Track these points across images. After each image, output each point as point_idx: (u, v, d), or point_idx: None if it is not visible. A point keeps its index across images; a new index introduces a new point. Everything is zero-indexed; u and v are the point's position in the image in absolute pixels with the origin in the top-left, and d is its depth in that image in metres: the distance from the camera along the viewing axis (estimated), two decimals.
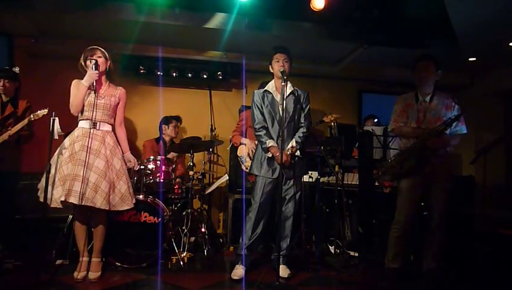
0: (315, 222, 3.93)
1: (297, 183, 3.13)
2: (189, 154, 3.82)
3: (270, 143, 3.01)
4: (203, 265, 3.49)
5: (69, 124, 3.02)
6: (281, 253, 3.01)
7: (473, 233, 4.03)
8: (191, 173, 3.76)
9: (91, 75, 2.85)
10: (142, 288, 2.85)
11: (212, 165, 4.64)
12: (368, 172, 3.91)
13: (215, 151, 4.61)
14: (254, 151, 3.32)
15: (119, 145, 3.07)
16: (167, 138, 4.50)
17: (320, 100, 5.19)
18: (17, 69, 3.42)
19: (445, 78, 3.21)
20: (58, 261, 3.17)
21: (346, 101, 5.63)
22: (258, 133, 3.08)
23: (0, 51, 4.25)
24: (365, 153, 3.98)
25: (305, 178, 3.88)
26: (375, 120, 4.84)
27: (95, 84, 2.89)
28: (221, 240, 4.29)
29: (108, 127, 3.02)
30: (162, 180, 3.68)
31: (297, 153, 3.09)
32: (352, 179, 4.10)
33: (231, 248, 3.98)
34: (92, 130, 2.89)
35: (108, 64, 3.03)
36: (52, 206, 2.78)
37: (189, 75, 4.93)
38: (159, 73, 4.82)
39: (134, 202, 3.05)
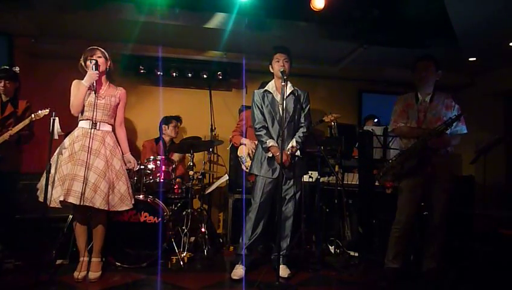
0: (315, 222, 3.93)
1: (297, 183, 3.13)
2: (189, 154, 3.82)
3: (270, 143, 3.01)
4: (203, 265, 3.49)
5: (69, 124, 3.02)
6: (281, 253, 3.01)
7: (473, 233, 4.04)
8: (191, 172, 3.76)
9: (91, 75, 2.85)
10: (142, 288, 2.85)
11: (212, 165, 4.64)
12: (368, 172, 3.91)
13: (215, 151, 4.61)
14: (254, 151, 3.32)
15: (119, 145, 3.07)
16: (167, 138, 4.50)
17: (320, 100, 5.19)
18: (17, 69, 3.42)
19: (446, 78, 3.21)
20: (58, 261, 3.17)
21: (346, 101, 5.64)
22: (258, 133, 3.08)
23: (0, 51, 4.25)
24: (365, 153, 3.98)
25: (305, 178, 3.88)
26: (375, 120, 4.84)
27: (95, 84, 2.89)
28: (221, 240, 4.29)
29: (109, 128, 3.02)
30: (162, 180, 3.68)
31: (298, 153, 3.09)
32: (352, 179, 4.10)
33: (231, 248, 3.99)
34: (92, 130, 2.89)
35: (109, 64, 3.02)
36: (51, 206, 2.78)
37: (189, 75, 4.93)
38: (159, 73, 4.82)
39: (133, 202, 3.05)
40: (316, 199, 3.89)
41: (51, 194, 2.77)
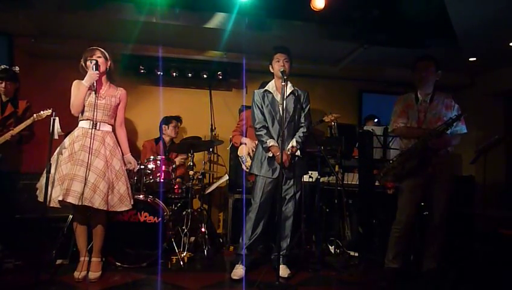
0: (315, 222, 3.93)
1: (298, 183, 3.12)
2: (189, 154, 3.82)
3: (270, 143, 3.01)
4: (203, 265, 3.49)
5: (69, 124, 3.02)
6: (281, 253, 3.00)
7: (473, 233, 4.03)
8: (191, 172, 3.76)
9: (91, 75, 2.85)
10: (142, 288, 2.85)
11: (212, 165, 4.64)
12: (368, 172, 3.91)
13: (215, 151, 4.61)
14: (254, 151, 3.32)
15: (119, 146, 3.07)
16: (167, 138, 4.50)
17: (320, 100, 5.19)
18: (17, 69, 3.42)
19: (446, 78, 3.21)
20: (58, 261, 3.17)
21: (347, 101, 5.64)
22: (259, 133, 3.08)
23: (0, 51, 4.25)
24: (365, 153, 3.98)
25: (305, 178, 3.88)
26: (376, 120, 4.84)
27: (95, 84, 2.89)
28: (221, 240, 4.29)
29: (109, 128, 3.02)
30: (162, 180, 3.68)
31: (298, 152, 3.09)
32: (352, 179, 4.10)
33: (231, 248, 3.99)
34: (92, 130, 2.89)
35: (109, 64, 3.02)
36: (50, 205, 2.78)
37: (190, 75, 4.94)
38: (159, 73, 4.83)
39: (132, 203, 3.04)
40: (316, 199, 3.89)
41: (50, 194, 2.77)
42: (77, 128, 2.96)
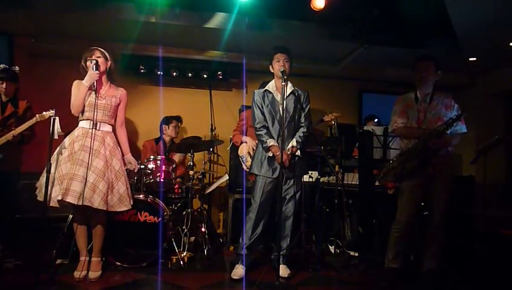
0: (315, 222, 3.93)
1: (298, 183, 3.13)
2: (189, 154, 3.82)
3: (271, 142, 3.01)
4: (203, 265, 3.49)
5: (69, 124, 3.02)
6: (281, 253, 3.00)
7: (473, 233, 4.04)
8: (191, 172, 3.76)
9: (91, 75, 2.85)
10: (142, 287, 2.85)
11: (212, 164, 4.64)
12: (368, 172, 3.91)
13: (215, 151, 4.61)
14: (254, 150, 3.32)
15: (119, 146, 3.07)
16: (167, 138, 4.50)
17: (320, 100, 5.19)
18: (16, 69, 3.41)
19: (446, 78, 3.21)
20: (58, 261, 3.17)
21: (347, 101, 5.64)
22: (259, 133, 3.08)
23: (0, 50, 4.25)
24: (365, 153, 3.98)
25: (305, 178, 3.88)
26: (376, 120, 4.84)
27: (95, 84, 2.89)
28: (221, 240, 4.29)
29: (109, 128, 3.02)
30: (162, 180, 3.68)
31: (298, 152, 3.09)
32: (352, 179, 4.09)
33: (231, 248, 3.98)
34: (92, 130, 2.89)
35: (109, 64, 3.02)
36: (50, 205, 2.78)
37: (190, 74, 4.94)
38: (159, 73, 4.83)
39: (132, 203, 3.04)
40: (316, 199, 3.89)
41: (50, 193, 2.77)
42: (77, 128, 2.96)
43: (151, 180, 3.66)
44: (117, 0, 3.81)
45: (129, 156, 3.15)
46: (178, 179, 4.13)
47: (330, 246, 3.89)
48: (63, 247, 3.22)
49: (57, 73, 4.50)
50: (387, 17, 3.95)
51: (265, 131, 3.06)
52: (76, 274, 2.86)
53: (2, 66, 3.33)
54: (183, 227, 3.64)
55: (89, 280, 2.87)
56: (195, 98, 5.11)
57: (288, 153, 3.01)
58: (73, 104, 2.91)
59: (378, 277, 3.10)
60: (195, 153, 3.83)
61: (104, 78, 3.02)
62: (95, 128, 2.91)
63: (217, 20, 4.00)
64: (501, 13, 3.42)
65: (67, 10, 3.79)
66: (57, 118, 2.84)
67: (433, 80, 3.01)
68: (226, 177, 4.27)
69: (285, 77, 2.92)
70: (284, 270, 3.05)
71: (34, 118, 3.03)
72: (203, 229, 3.80)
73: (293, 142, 3.05)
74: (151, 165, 3.70)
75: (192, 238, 3.84)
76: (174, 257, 3.39)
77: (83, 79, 2.88)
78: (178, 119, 4.58)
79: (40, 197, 2.82)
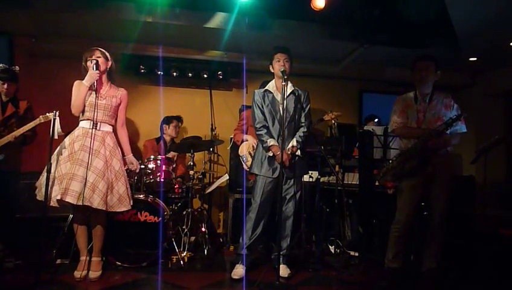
0: (315, 222, 3.93)
1: (298, 183, 3.13)
2: (189, 154, 3.82)
3: (271, 142, 3.01)
4: (203, 265, 3.49)
5: (69, 123, 3.02)
6: (281, 253, 3.00)
7: (473, 233, 4.03)
8: (191, 172, 3.76)
9: (91, 75, 2.86)
10: (143, 287, 2.85)
11: (212, 164, 4.64)
12: (368, 172, 3.92)
13: (216, 151, 4.61)
14: (255, 149, 3.32)
15: (119, 146, 3.07)
16: (168, 138, 4.51)
17: (320, 100, 5.18)
18: (17, 69, 3.41)
19: (446, 78, 3.21)
20: (59, 261, 3.18)
21: (347, 100, 5.63)
22: (259, 132, 3.08)
23: (0, 50, 4.25)
24: (365, 152, 3.98)
25: (306, 178, 3.88)
26: (376, 120, 4.84)
27: (95, 84, 2.89)
28: (221, 240, 4.30)
29: (109, 128, 3.02)
30: (162, 180, 3.68)
31: (298, 152, 3.09)
32: (352, 178, 4.09)
33: (231, 248, 3.99)
34: (92, 131, 2.89)
35: (110, 64, 3.02)
36: (49, 205, 2.78)
37: (190, 74, 4.94)
38: (159, 73, 4.83)
39: (132, 203, 3.04)
40: (316, 199, 3.89)
41: (50, 193, 2.77)
42: (77, 128, 2.96)
43: (152, 180, 3.67)
44: (117, 0, 3.81)
45: (130, 157, 3.15)
46: (178, 179, 4.13)
47: (330, 246, 3.89)
48: (63, 247, 3.22)
49: (57, 73, 4.50)
50: (387, 17, 3.95)
51: (265, 131, 3.06)
52: (77, 274, 2.86)
53: (2, 66, 3.33)
54: (184, 227, 3.65)
55: (89, 280, 2.87)
56: (195, 98, 5.11)
57: (289, 152, 3.01)
58: (74, 104, 2.91)
59: (378, 276, 3.10)
60: (195, 153, 3.83)
61: (104, 78, 3.02)
62: (95, 129, 2.91)
63: (217, 20, 4.00)
64: (501, 13, 3.42)
65: (67, 10, 3.79)
66: (57, 118, 2.84)
67: (432, 80, 3.00)
68: (226, 177, 4.27)
69: (285, 77, 2.92)
70: (284, 270, 3.05)
71: (37, 119, 3.03)
72: (203, 229, 3.81)
73: (293, 142, 3.05)
74: (151, 165, 3.70)
75: (193, 238, 3.84)
76: (174, 257, 3.39)
77: (83, 79, 2.88)
78: (178, 119, 4.59)
79: (40, 197, 2.82)
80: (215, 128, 4.65)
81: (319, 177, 3.88)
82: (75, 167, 2.77)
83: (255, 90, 3.19)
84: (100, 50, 2.98)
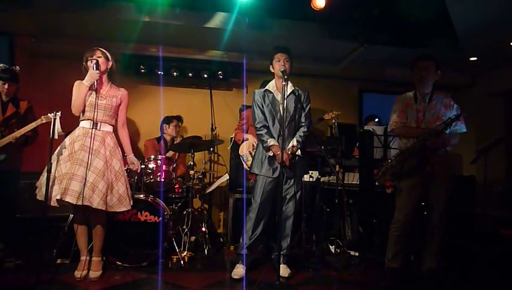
0: (315, 222, 3.93)
1: (298, 183, 3.13)
2: (189, 154, 3.82)
3: (271, 142, 3.01)
4: (203, 264, 3.49)
5: (69, 123, 3.02)
6: (282, 252, 3.00)
7: (474, 233, 4.03)
8: (191, 172, 3.76)
9: (92, 74, 2.86)
10: (143, 287, 2.85)
11: (212, 164, 4.64)
12: (368, 172, 3.91)
13: (216, 151, 4.61)
14: (255, 148, 3.33)
15: (119, 146, 3.07)
16: (168, 138, 4.51)
17: (321, 100, 5.18)
18: (17, 69, 3.42)
19: (446, 77, 3.21)
20: (59, 261, 3.17)
21: (347, 100, 5.63)
22: (259, 132, 3.08)
23: (0, 50, 4.25)
24: (366, 152, 3.98)
25: (306, 178, 3.88)
26: (376, 120, 4.84)
27: (96, 84, 2.89)
28: (221, 240, 4.30)
29: (109, 128, 3.02)
30: (162, 180, 3.68)
31: (298, 152, 3.09)
32: (352, 178, 4.09)
33: (231, 248, 3.99)
34: (92, 130, 2.89)
35: (110, 64, 3.03)
36: (49, 204, 2.78)
37: (190, 74, 4.94)
38: (159, 72, 4.83)
39: (132, 203, 3.04)
40: (316, 199, 3.89)
41: (50, 192, 2.77)
42: (78, 128, 2.96)
43: (152, 180, 3.67)
44: (117, 0, 3.81)
45: (132, 157, 3.16)
46: (178, 179, 4.14)
47: (330, 246, 3.89)
48: (63, 247, 3.22)
49: (57, 73, 4.51)
50: (387, 17, 3.95)
51: (265, 131, 3.06)
52: (77, 274, 2.86)
53: (2, 65, 3.33)
54: (184, 227, 3.65)
55: (89, 280, 2.87)
56: (195, 97, 5.11)
57: (289, 152, 3.01)
58: (74, 104, 2.91)
59: (379, 276, 3.10)
60: (195, 153, 3.83)
61: (105, 78, 3.02)
62: (95, 128, 2.91)
63: (218, 20, 4.00)
64: (502, 13, 3.42)
65: (67, 10, 3.79)
66: (58, 118, 2.84)
67: (433, 80, 3.00)
68: (227, 177, 4.27)
69: (285, 77, 2.92)
70: (284, 270, 3.04)
71: (39, 120, 3.03)
72: (203, 229, 3.81)
73: (294, 142, 3.06)
74: (151, 165, 3.70)
75: (193, 238, 3.84)
76: (175, 257, 3.39)
77: (84, 79, 2.88)
78: (178, 118, 4.59)
79: (40, 197, 2.82)
80: (216, 128, 4.66)
81: (319, 177, 3.88)
82: (75, 167, 2.77)
83: (255, 90, 3.19)
84: (101, 50, 2.98)
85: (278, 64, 3.06)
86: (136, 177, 3.61)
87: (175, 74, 4.89)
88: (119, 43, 4.41)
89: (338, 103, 5.38)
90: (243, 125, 4.17)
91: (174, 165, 3.90)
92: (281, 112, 2.99)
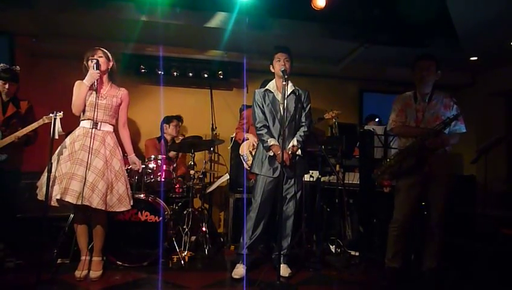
0: (316, 221, 3.93)
1: (298, 183, 3.13)
2: (190, 154, 3.82)
3: (271, 142, 3.01)
4: (203, 264, 3.49)
5: (69, 123, 3.02)
6: (282, 252, 3.00)
7: (474, 233, 4.03)
8: (192, 172, 3.76)
9: (92, 74, 2.86)
10: (143, 287, 2.86)
11: (213, 164, 4.64)
12: (368, 171, 3.91)
13: (216, 151, 4.61)
14: (255, 148, 3.32)
15: (119, 146, 3.07)
16: (168, 137, 4.51)
17: (321, 99, 5.17)
18: (17, 68, 3.42)
19: (447, 77, 3.21)
20: (59, 260, 3.18)
21: (348, 100, 5.63)
22: (260, 132, 3.08)
23: (1, 50, 4.25)
24: (366, 152, 3.98)
25: (306, 177, 3.88)
26: (376, 120, 4.83)
27: (96, 84, 2.89)
28: (222, 239, 4.30)
29: (110, 128, 3.02)
30: (163, 180, 3.68)
31: (299, 152, 3.09)
32: (353, 178, 4.09)
33: (232, 247, 3.99)
34: (92, 130, 2.89)
35: (111, 64, 3.03)
36: (50, 204, 2.78)
37: (190, 74, 4.93)
38: (160, 72, 4.83)
39: (132, 203, 3.03)
40: (316, 199, 3.89)
41: (51, 192, 2.77)
42: (78, 127, 2.96)
43: (152, 180, 3.67)
44: (117, 0, 3.81)
45: (133, 156, 3.16)
46: (179, 179, 4.14)
47: (331, 246, 3.89)
48: (64, 246, 3.23)
49: (58, 73, 4.51)
50: (388, 17, 3.95)
51: (266, 130, 3.06)
52: (77, 274, 2.86)
53: (3, 65, 3.33)
54: (184, 226, 3.65)
55: (90, 280, 2.87)
56: (196, 97, 5.11)
57: (289, 152, 3.01)
58: (74, 103, 2.91)
59: (379, 276, 3.10)
60: (196, 153, 3.83)
61: (105, 78, 3.03)
62: (96, 128, 2.92)
63: (218, 19, 4.00)
64: (502, 12, 3.42)
65: (67, 10, 3.79)
66: (58, 118, 2.85)
67: (433, 80, 3.00)
68: (227, 176, 4.27)
69: (286, 77, 2.92)
70: (284, 270, 3.05)
71: (41, 120, 3.03)
72: (203, 229, 3.81)
73: (294, 142, 3.05)
74: (152, 165, 3.70)
75: (193, 238, 3.84)
76: (175, 257, 3.39)
77: (84, 79, 2.88)
78: (179, 118, 4.59)
79: (40, 196, 2.82)
80: (216, 128, 4.66)
81: (320, 176, 3.88)
82: (75, 167, 2.77)
83: (256, 90, 3.19)
84: (102, 50, 2.99)
85: (278, 64, 3.06)
86: (136, 177, 3.62)
87: (175, 73, 4.89)
88: (120, 43, 4.40)
89: (338, 102, 5.36)
90: (244, 125, 4.17)
91: (175, 165, 3.90)
92: (281, 111, 2.99)
